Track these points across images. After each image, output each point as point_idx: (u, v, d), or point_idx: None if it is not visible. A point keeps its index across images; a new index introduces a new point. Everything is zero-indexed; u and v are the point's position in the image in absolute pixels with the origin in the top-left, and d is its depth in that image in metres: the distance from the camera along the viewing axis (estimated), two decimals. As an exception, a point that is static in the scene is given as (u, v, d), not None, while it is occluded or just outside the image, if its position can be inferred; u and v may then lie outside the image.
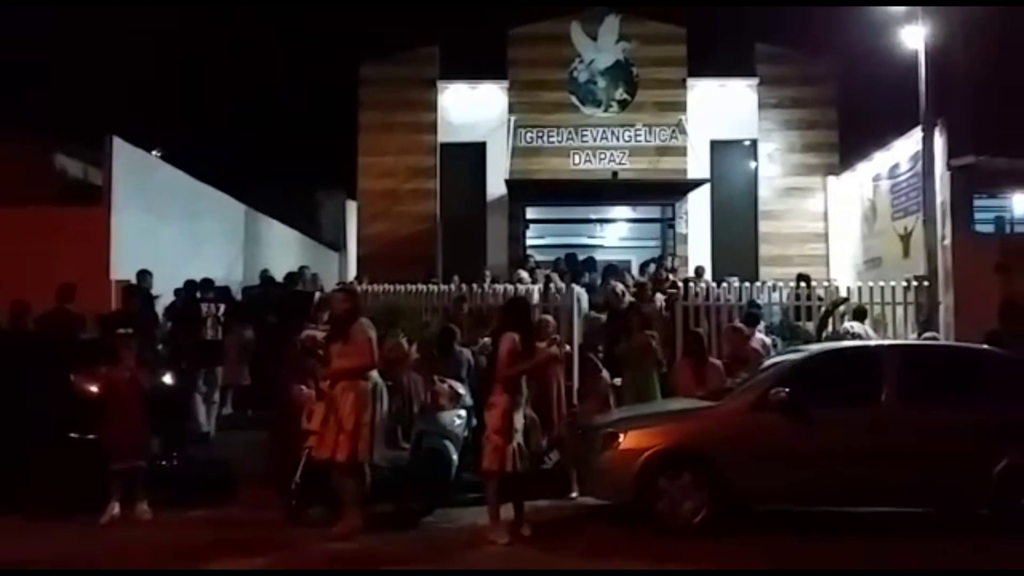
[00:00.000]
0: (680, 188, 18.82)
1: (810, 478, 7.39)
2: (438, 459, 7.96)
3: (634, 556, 6.84)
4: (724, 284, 13.15)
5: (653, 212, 20.23)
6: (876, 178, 16.42)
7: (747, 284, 13.18)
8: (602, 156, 19.27)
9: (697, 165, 18.97)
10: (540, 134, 19.33)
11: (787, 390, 7.50)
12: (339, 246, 22.82)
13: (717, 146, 19.36)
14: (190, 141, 21.75)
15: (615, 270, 14.77)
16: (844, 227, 18.24)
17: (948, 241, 13.13)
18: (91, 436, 7.94)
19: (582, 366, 9.64)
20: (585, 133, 19.36)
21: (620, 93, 19.43)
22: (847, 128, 19.27)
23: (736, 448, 7.47)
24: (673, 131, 19.23)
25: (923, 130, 13.26)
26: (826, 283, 13.87)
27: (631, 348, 9.86)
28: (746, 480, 7.39)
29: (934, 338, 10.80)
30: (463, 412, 8.27)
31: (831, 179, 19.07)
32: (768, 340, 10.82)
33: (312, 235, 21.69)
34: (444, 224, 19.36)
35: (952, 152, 13.51)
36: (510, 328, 7.32)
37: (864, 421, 7.51)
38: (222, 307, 12.10)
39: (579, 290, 12.77)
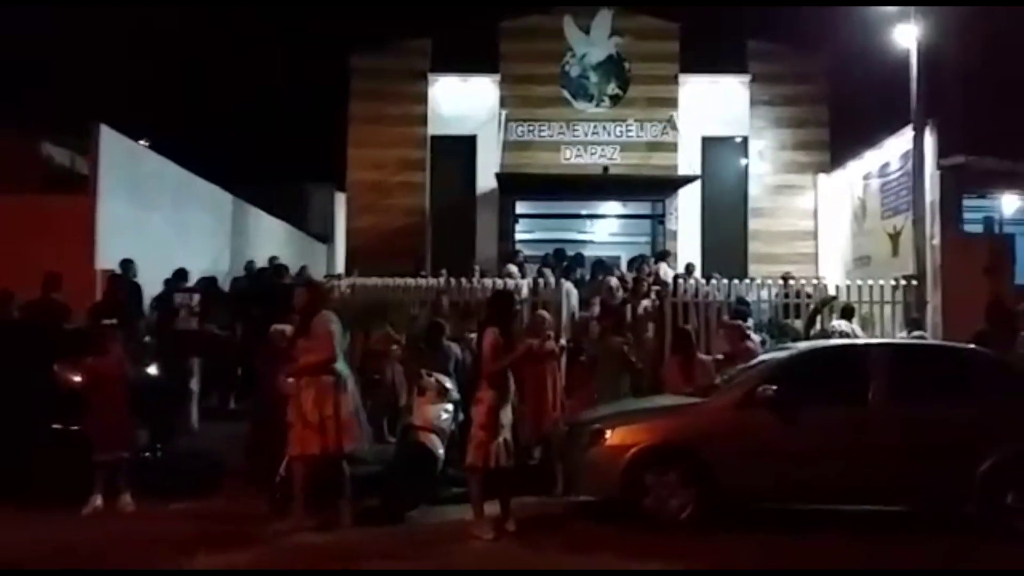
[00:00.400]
0: (671, 184, 18.84)
1: (796, 475, 7.38)
2: (424, 453, 7.92)
3: (620, 552, 6.81)
4: (713, 281, 13.15)
5: (643, 208, 20.25)
6: (866, 177, 16.45)
7: (736, 281, 13.18)
8: (593, 151, 19.26)
9: (688, 161, 18.98)
10: (531, 128, 19.31)
11: (774, 387, 7.48)
12: (327, 238, 22.74)
13: (708, 142, 19.40)
14: (179, 131, 21.68)
15: (604, 266, 14.76)
16: (834, 225, 18.29)
17: (937, 241, 13.16)
18: (75, 427, 7.87)
19: (570, 363, 9.60)
20: (576, 128, 19.34)
21: (612, 88, 19.42)
22: (838, 126, 19.35)
23: (723, 445, 7.45)
24: (664, 127, 19.24)
25: (914, 129, 13.29)
26: (815, 281, 13.89)
27: (603, 350, 9.74)
28: (732, 477, 7.37)
29: (922, 337, 10.82)
30: (450, 406, 8.23)
31: (822, 177, 19.12)
32: (758, 339, 10.80)
33: (300, 227, 21.59)
34: (434, 217, 19.33)
35: (942, 152, 13.57)
36: (492, 322, 7.29)
37: (851, 419, 7.50)
38: (196, 297, 11.97)
39: (568, 285, 12.77)
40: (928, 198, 13.29)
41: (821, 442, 7.41)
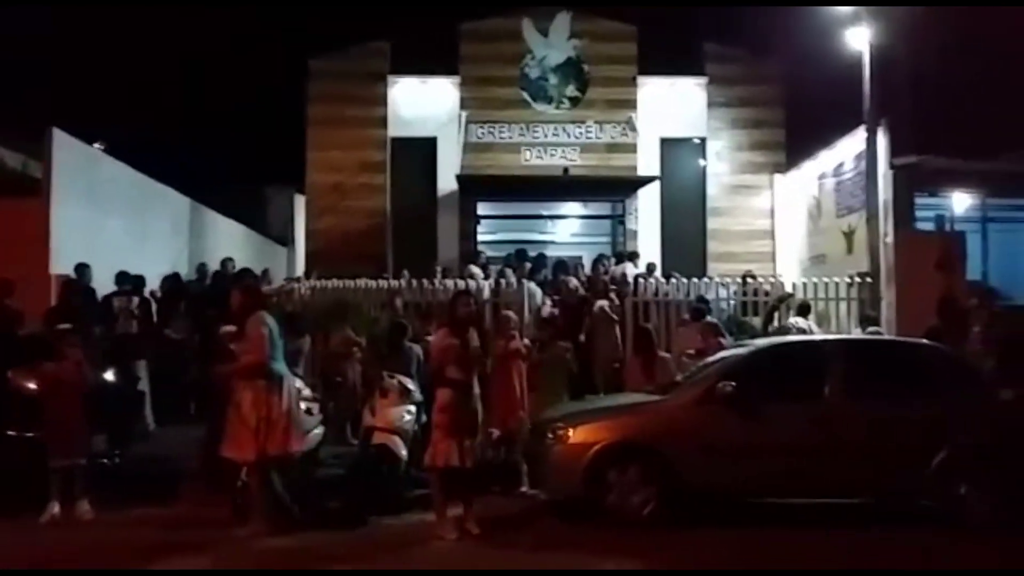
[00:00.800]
0: (630, 185, 18.95)
1: (757, 470, 7.49)
2: (386, 455, 7.90)
3: (582, 549, 6.85)
4: (673, 280, 13.27)
5: (604, 208, 20.33)
6: (821, 176, 16.67)
7: (695, 280, 13.31)
8: (553, 152, 19.29)
9: (647, 162, 19.11)
10: (491, 130, 19.30)
11: (734, 384, 7.58)
12: (287, 241, 22.56)
13: (667, 144, 19.52)
14: (136, 134, 21.36)
15: (565, 266, 14.82)
16: (790, 224, 18.50)
17: (890, 238, 13.39)
18: (30, 433, 7.75)
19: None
20: (536, 129, 19.36)
21: (571, 90, 19.48)
22: (794, 127, 19.54)
23: (683, 441, 7.53)
24: (623, 128, 19.33)
25: (867, 130, 13.50)
26: (772, 279, 14.07)
27: (547, 357, 9.72)
28: (694, 473, 7.45)
29: (877, 333, 11.00)
30: (412, 408, 8.22)
31: (778, 177, 19.32)
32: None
33: (259, 230, 21.41)
34: (394, 219, 19.24)
35: (895, 151, 13.78)
36: (444, 324, 7.35)
37: (809, 414, 7.62)
38: (135, 300, 11.81)
39: (531, 285, 12.80)
40: (881, 197, 13.51)
41: (780, 437, 7.52)
